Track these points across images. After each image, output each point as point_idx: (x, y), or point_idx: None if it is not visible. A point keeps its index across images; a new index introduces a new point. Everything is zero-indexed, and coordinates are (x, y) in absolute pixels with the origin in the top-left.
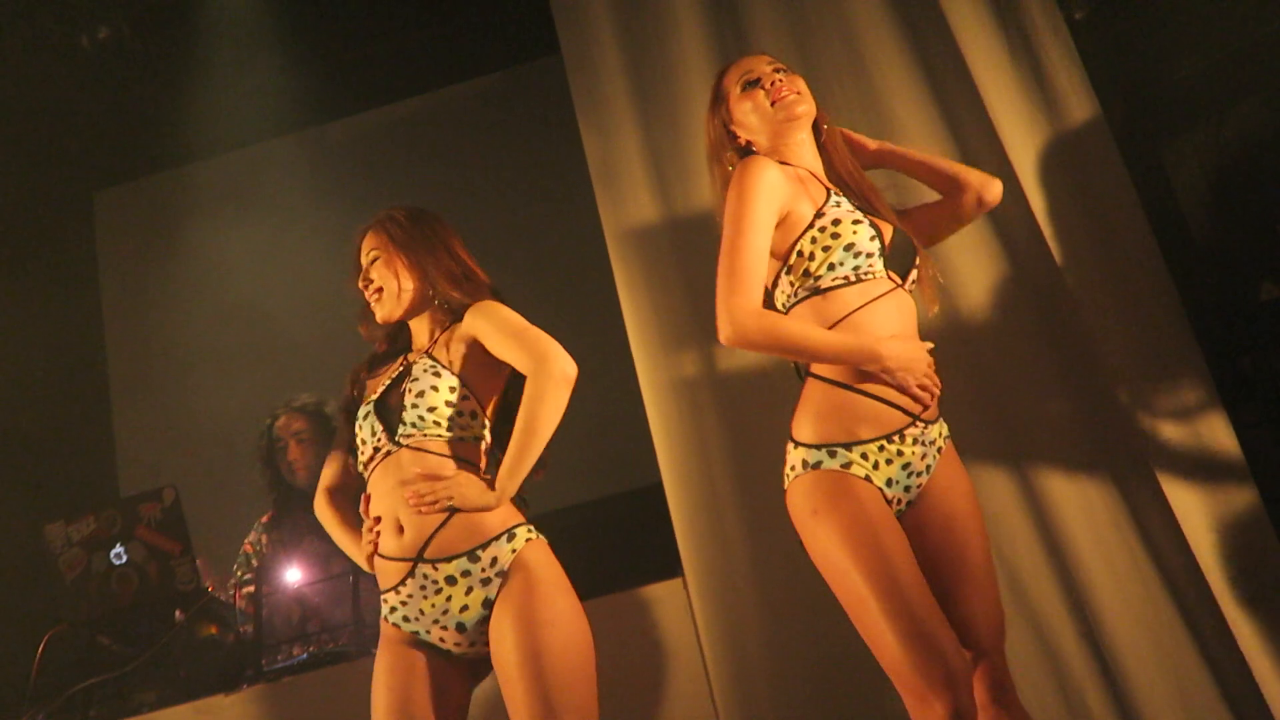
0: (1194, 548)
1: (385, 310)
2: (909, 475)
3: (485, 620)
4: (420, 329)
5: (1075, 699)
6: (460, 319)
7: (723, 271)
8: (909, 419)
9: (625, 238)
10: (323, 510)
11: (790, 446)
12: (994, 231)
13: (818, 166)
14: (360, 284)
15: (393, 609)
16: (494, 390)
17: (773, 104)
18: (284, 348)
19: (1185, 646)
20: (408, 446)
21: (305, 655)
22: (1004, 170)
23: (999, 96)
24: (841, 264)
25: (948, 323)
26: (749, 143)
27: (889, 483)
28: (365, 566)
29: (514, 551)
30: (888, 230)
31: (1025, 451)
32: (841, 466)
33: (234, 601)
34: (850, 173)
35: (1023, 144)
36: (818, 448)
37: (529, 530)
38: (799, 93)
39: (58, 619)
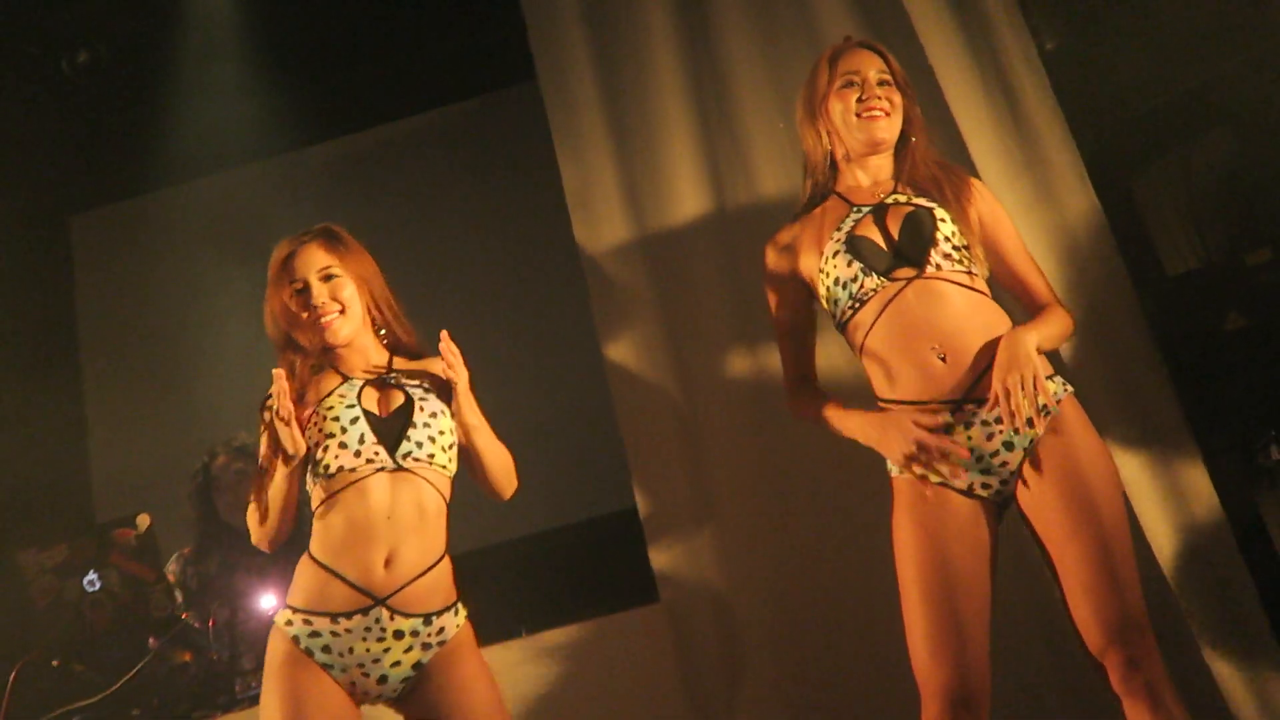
0: (1163, 571)
1: (346, 332)
2: (978, 459)
3: (407, 679)
4: (362, 353)
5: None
6: (407, 354)
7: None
8: (948, 408)
9: (601, 263)
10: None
11: None
12: None
13: (884, 166)
14: (313, 301)
15: (315, 634)
16: None
17: (858, 116)
18: (261, 373)
19: None
20: (411, 470)
21: None
22: None
23: (972, 124)
24: (840, 299)
25: None
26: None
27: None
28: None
29: (457, 627)
30: (895, 220)
31: None
32: (899, 473)
33: (208, 628)
34: (920, 174)
35: (995, 171)
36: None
37: (463, 608)
38: (888, 114)
39: (30, 647)
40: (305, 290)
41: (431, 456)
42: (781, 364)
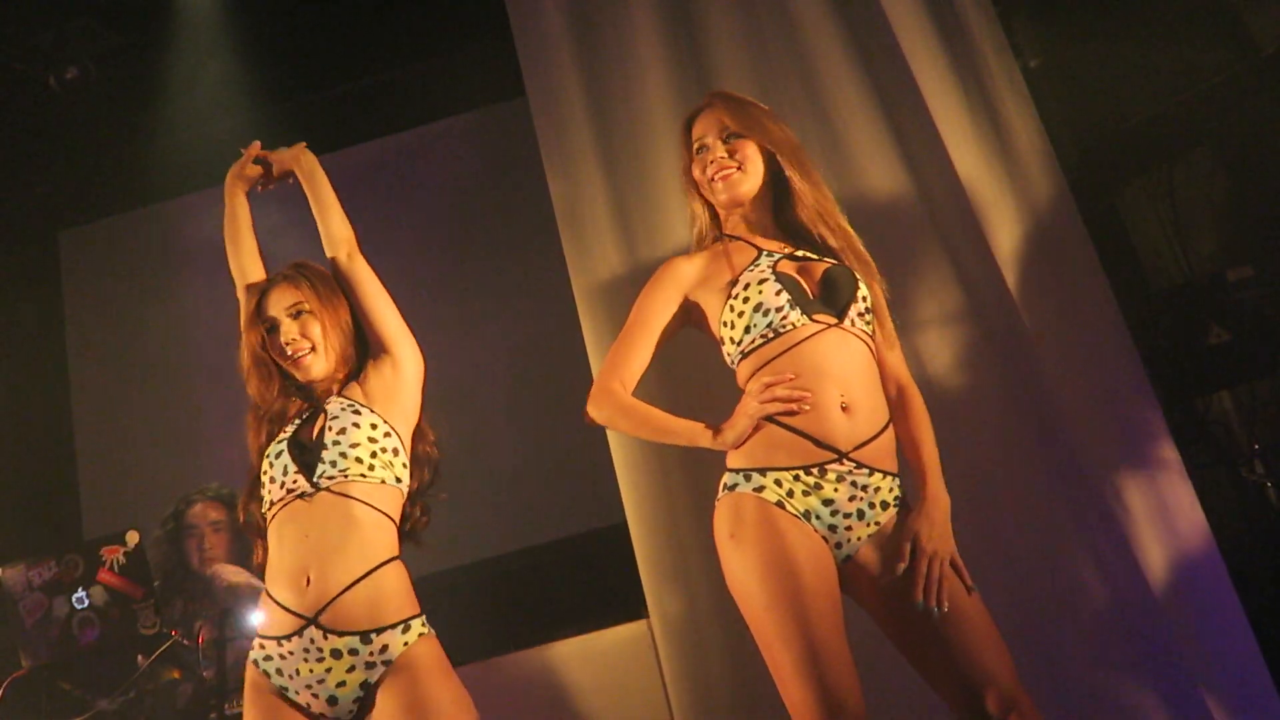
0: (1149, 584)
1: (320, 368)
2: (832, 513)
3: (358, 700)
4: (329, 385)
5: None
6: (360, 371)
7: (608, 356)
8: (833, 455)
9: (590, 281)
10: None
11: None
12: (952, 276)
13: (765, 219)
14: (282, 340)
15: (268, 657)
16: (410, 431)
17: (711, 180)
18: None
19: (1141, 681)
20: (328, 490)
21: None
22: (962, 215)
23: (957, 142)
24: (755, 325)
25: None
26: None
27: (807, 515)
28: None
29: (405, 645)
30: (816, 271)
31: (980, 490)
32: (755, 490)
33: (197, 646)
34: (811, 219)
35: (980, 189)
36: (736, 471)
37: (423, 625)
38: (739, 167)
39: (18, 664)
40: (275, 330)
41: (346, 471)
42: (616, 358)
